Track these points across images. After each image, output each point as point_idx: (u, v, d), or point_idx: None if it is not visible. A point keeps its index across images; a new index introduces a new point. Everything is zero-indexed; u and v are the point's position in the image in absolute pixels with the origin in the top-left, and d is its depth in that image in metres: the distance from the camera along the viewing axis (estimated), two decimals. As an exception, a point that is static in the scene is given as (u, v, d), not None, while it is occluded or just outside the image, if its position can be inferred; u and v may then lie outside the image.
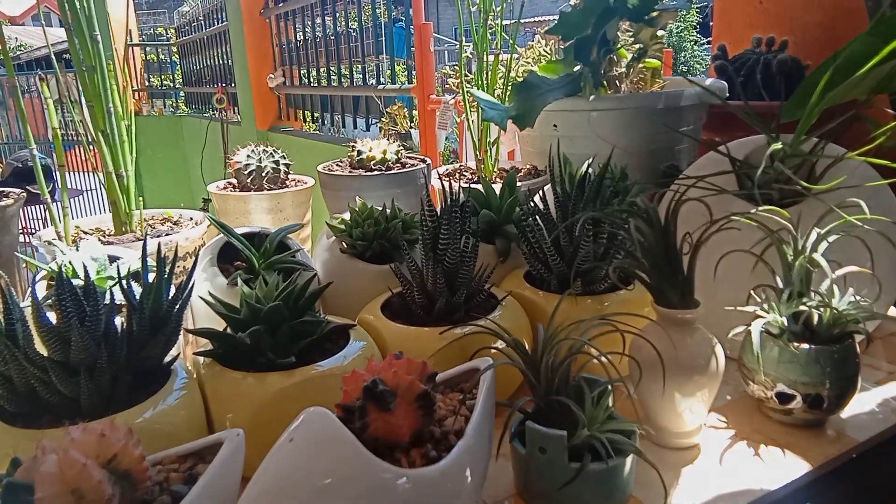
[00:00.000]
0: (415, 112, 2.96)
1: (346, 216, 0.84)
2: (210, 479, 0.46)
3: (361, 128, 3.43)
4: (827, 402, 0.66)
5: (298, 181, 1.19)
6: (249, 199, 1.09)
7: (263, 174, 1.10)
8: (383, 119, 3.22)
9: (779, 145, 0.73)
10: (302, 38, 3.81)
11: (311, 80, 3.78)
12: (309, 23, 3.63)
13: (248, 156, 1.11)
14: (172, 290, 0.62)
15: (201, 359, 0.65)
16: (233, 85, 4.38)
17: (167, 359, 0.63)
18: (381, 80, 3.43)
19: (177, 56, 6.11)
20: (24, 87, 6.54)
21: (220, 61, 4.78)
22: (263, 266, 0.78)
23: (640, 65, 1.07)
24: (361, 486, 0.46)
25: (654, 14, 0.98)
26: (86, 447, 0.43)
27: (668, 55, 1.94)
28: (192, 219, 1.00)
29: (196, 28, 5.26)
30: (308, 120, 3.89)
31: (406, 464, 0.49)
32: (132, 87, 5.55)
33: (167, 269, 0.62)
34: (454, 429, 0.54)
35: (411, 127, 3.10)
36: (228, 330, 0.65)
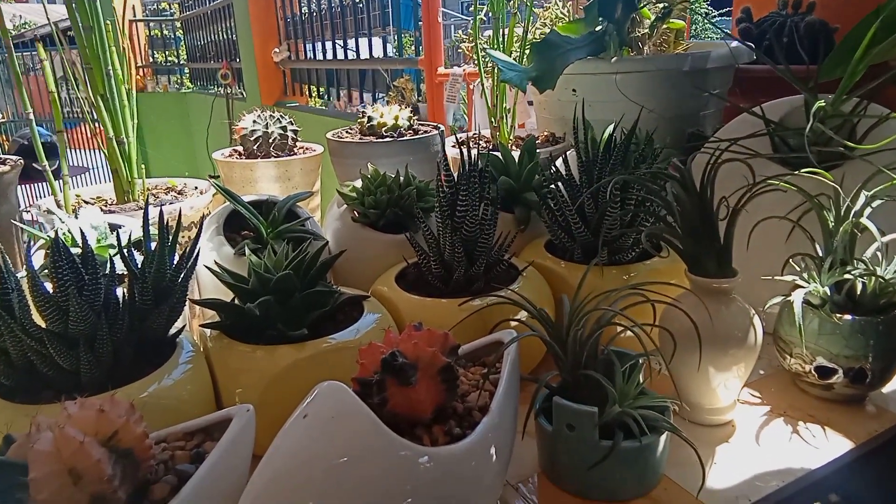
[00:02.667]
0: (422, 85, 2.90)
1: (358, 183, 0.80)
2: (219, 458, 0.43)
3: (368, 102, 3.37)
4: (870, 377, 0.62)
5: (307, 148, 1.15)
6: (256, 166, 1.04)
7: (270, 140, 1.05)
8: (390, 93, 3.16)
9: (822, 103, 0.68)
10: (307, 11, 3.73)
11: (317, 54, 3.71)
12: (314, -5, 3.55)
13: (255, 121, 1.07)
14: (177, 259, 0.59)
15: (208, 331, 0.62)
16: (237, 60, 4.32)
17: (172, 331, 0.60)
18: (388, 53, 3.36)
19: (181, 31, 6.03)
20: (28, 65, 6.47)
21: (225, 36, 4.71)
22: (272, 235, 0.74)
23: (664, 25, 1.02)
24: (380, 465, 0.42)
25: (681, -30, 0.92)
26: (84, 423, 0.40)
27: (687, 20, 1.87)
28: (196, 188, 0.96)
29: (200, 2, 5.17)
30: (314, 95, 3.83)
31: (428, 441, 0.46)
32: (136, 63, 5.49)
33: (170, 238, 0.58)
34: (478, 404, 0.50)
35: (419, 100, 3.04)
36: (236, 301, 0.62)
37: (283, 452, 0.42)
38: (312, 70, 3.78)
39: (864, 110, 0.72)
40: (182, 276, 0.58)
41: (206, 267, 0.62)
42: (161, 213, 0.57)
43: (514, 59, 1.04)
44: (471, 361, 0.58)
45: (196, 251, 0.58)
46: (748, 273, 0.68)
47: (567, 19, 1.09)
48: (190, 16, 5.51)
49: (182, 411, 0.55)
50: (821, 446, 0.60)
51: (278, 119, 1.09)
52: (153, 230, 0.61)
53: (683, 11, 1.04)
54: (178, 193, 0.95)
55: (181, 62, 5.98)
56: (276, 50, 3.98)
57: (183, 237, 0.82)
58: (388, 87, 3.16)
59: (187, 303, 0.61)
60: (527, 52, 1.03)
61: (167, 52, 6.19)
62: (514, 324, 0.65)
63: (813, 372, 0.64)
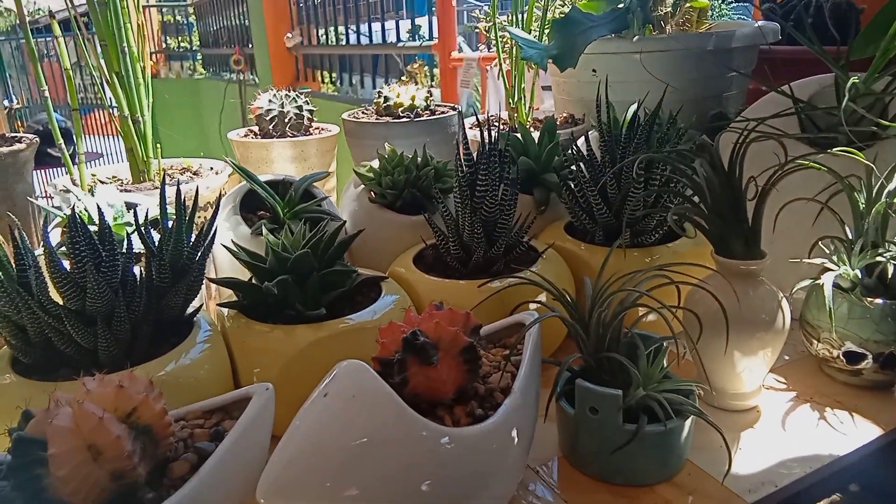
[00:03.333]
0: (436, 70, 2.87)
1: (375, 164, 0.79)
2: (238, 436, 0.42)
3: (380, 88, 3.35)
4: (902, 362, 0.60)
5: (323, 129, 1.14)
6: (272, 146, 1.03)
7: (286, 120, 1.04)
8: (403, 78, 3.14)
9: (855, 79, 0.66)
10: (320, -5, 3.71)
11: (329, 39, 3.69)
12: (327, -21, 3.52)
13: (270, 101, 1.06)
14: (193, 238, 0.58)
15: (226, 310, 0.61)
16: (250, 46, 4.31)
17: (189, 310, 0.59)
18: (401, 37, 3.33)
19: (193, 17, 6.02)
20: (43, 51, 6.48)
21: (238, 22, 4.70)
22: (289, 215, 0.73)
23: (688, 4, 0.99)
24: (402, 446, 0.42)
25: (706, -54, 0.90)
26: (103, 400, 0.39)
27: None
28: (212, 168, 0.96)
29: (213, -13, 5.16)
30: (326, 81, 3.82)
31: (450, 422, 0.45)
32: (149, 49, 5.50)
33: (187, 216, 0.57)
34: (500, 386, 0.49)
35: (432, 86, 3.02)
36: (254, 280, 0.61)
37: (303, 431, 0.42)
38: (325, 55, 3.76)
39: (897, 89, 0.70)
40: (199, 254, 0.57)
41: (224, 246, 0.62)
42: (178, 191, 0.57)
43: (535, 37, 1.02)
44: (491, 343, 0.57)
45: (213, 229, 0.57)
46: (774, 256, 0.66)
47: (587, -2, 1.06)
48: (203, 1, 5.49)
49: (200, 390, 0.54)
50: (848, 433, 0.58)
51: (294, 98, 1.07)
52: (170, 209, 0.60)
53: (707, -10, 1.02)
54: (194, 174, 0.94)
55: (194, 48, 5.98)
56: (289, 35, 3.97)
57: (199, 217, 0.81)
58: (401, 71, 3.14)
59: (204, 282, 0.60)
60: (546, 30, 1.01)
61: (180, 38, 6.19)
62: (534, 306, 0.64)
63: (841, 357, 0.62)
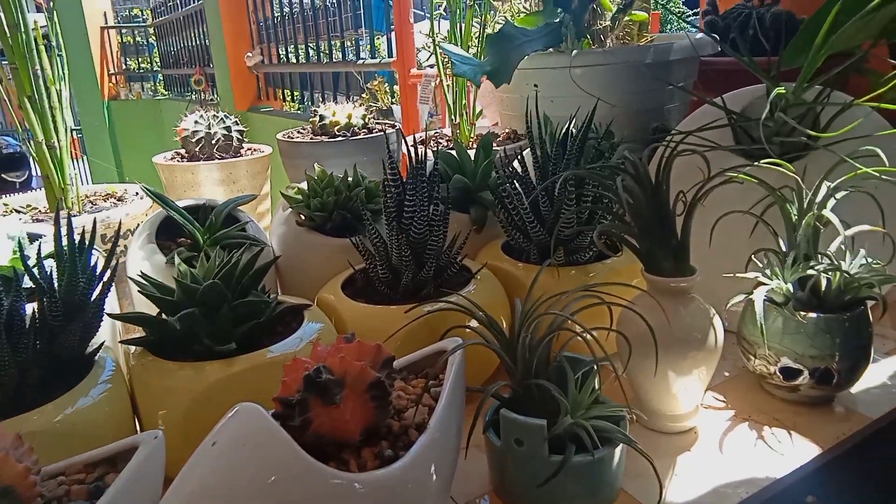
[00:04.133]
0: (396, 87, 2.86)
1: (304, 185, 0.76)
2: (118, 493, 0.39)
3: (316, 106, 3.32)
4: (837, 377, 0.59)
5: (254, 149, 1.10)
6: (198, 169, 1.00)
7: (214, 142, 1.01)
8: (364, 95, 3.12)
9: (782, 90, 0.65)
10: (279, 14, 3.69)
11: (290, 57, 3.66)
12: (286, -1, 3.50)
13: (196, 122, 1.02)
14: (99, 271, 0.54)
15: (132, 348, 0.57)
16: (211, 66, 4.25)
17: (90, 348, 0.55)
18: (361, 55, 3.32)
19: (154, 38, 5.94)
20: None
21: (198, 41, 4.65)
22: (208, 242, 0.69)
23: (626, 17, 0.99)
24: (299, 495, 0.38)
25: (640, -41, 0.89)
26: (-42, 459, 0.35)
27: (655, 16, 1.85)
28: (137, 193, 0.92)
29: (172, 8, 5.11)
30: (288, 99, 3.78)
31: (355, 466, 0.42)
32: (108, 70, 5.40)
33: (87, 247, 0.54)
34: (415, 421, 0.46)
35: (393, 102, 3.00)
36: (163, 314, 0.57)
37: (190, 484, 0.38)
38: (286, 74, 3.73)
39: (827, 98, 0.70)
40: (99, 289, 0.53)
41: (130, 278, 0.58)
42: (69, 222, 0.53)
43: (473, 53, 1.01)
44: (413, 374, 0.54)
45: (114, 262, 0.54)
46: (712, 270, 0.65)
47: (528, 12, 1.05)
48: (162, 22, 5.42)
49: (98, 437, 0.50)
50: (787, 453, 0.56)
51: (222, 119, 1.04)
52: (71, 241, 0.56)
53: (646, 3, 1.01)
54: (118, 200, 0.90)
55: (154, 69, 5.89)
56: (249, 54, 3.93)
57: (120, 246, 0.77)
58: (362, 89, 3.12)
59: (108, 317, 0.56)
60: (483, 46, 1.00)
61: (140, 59, 6.09)
62: (466, 331, 0.61)
63: (778, 373, 0.61)
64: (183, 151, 1.08)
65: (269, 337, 0.59)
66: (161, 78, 5.83)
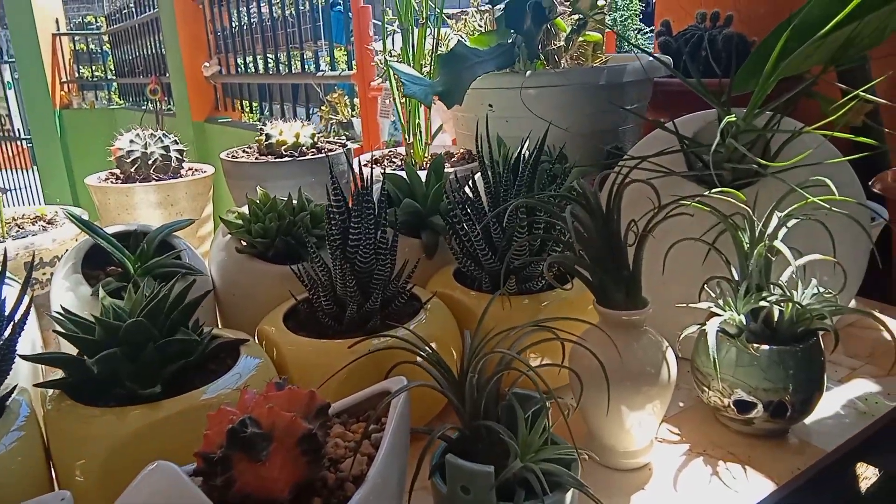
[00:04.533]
0: (356, 100, 2.83)
1: (245, 209, 0.73)
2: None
3: (302, 117, 3.28)
4: (791, 410, 0.58)
5: (195, 169, 1.06)
6: (133, 191, 0.95)
7: (151, 162, 0.96)
8: (323, 108, 3.07)
9: (732, 117, 0.64)
10: (237, 24, 3.62)
11: (249, 68, 3.60)
12: (244, 8, 3.45)
13: (132, 141, 0.97)
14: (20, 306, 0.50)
15: (49, 391, 0.53)
16: (167, 75, 4.16)
17: (1, 392, 0.51)
18: (321, 67, 3.28)
19: (108, 45, 5.79)
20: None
21: (154, 50, 4.54)
22: (139, 271, 0.65)
23: (580, 38, 0.98)
24: (219, 564, 0.35)
25: (593, -20, 0.88)
26: None
27: (612, 36, 1.87)
28: (70, 216, 0.86)
29: (127, 16, 4.99)
30: (247, 110, 3.71)
31: (283, 527, 0.38)
32: (60, 78, 5.23)
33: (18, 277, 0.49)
34: (352, 473, 0.43)
35: (353, 115, 2.97)
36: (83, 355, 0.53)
37: (94, 556, 0.34)
38: (244, 84, 3.66)
39: (778, 125, 0.69)
40: (9, 329, 0.49)
41: (48, 315, 0.53)
42: (4, 253, 0.48)
43: (426, 72, 0.99)
44: (354, 417, 0.51)
45: (26, 299, 0.49)
46: (664, 297, 0.63)
47: (483, 31, 1.04)
48: (117, 29, 5.29)
49: (10, 491, 0.46)
50: (741, 490, 0.55)
51: (160, 138, 0.99)
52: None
53: (601, 24, 1.01)
54: (48, 223, 0.85)
55: (109, 77, 5.74)
56: (206, 64, 3.85)
57: (44, 275, 0.72)
58: (322, 101, 3.08)
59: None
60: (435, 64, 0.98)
61: (94, 67, 5.93)
62: (412, 366, 0.58)
63: (732, 406, 0.59)
64: (118, 172, 1.02)
65: (202, 376, 0.55)
66: (116, 87, 5.68)
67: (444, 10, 0.97)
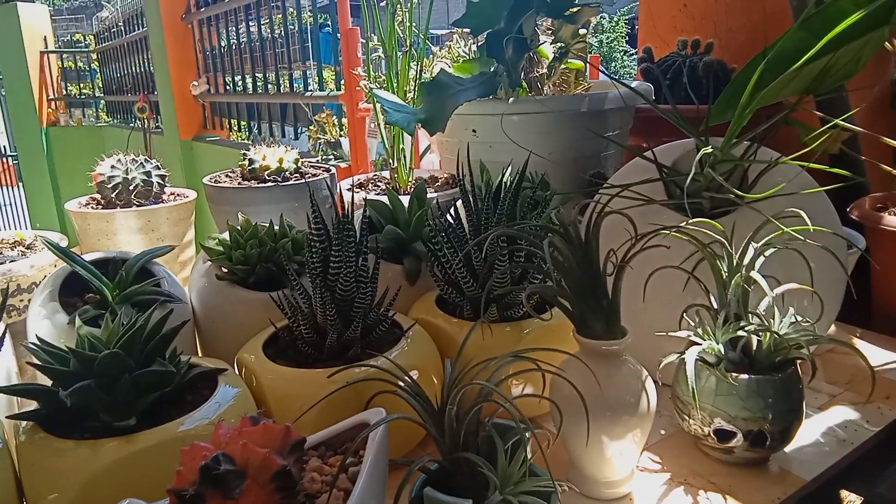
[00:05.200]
0: (344, 120, 2.84)
1: (226, 235, 0.72)
2: None
3: (290, 136, 3.29)
4: (770, 439, 0.58)
5: (177, 195, 1.05)
6: (113, 217, 0.94)
7: (132, 188, 0.95)
8: (311, 127, 3.08)
9: (709, 149, 0.65)
10: (226, 44, 3.64)
11: (237, 87, 3.61)
12: (233, 28, 3.46)
13: (113, 166, 0.97)
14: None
15: (22, 423, 0.52)
16: (155, 93, 4.16)
17: (-27, 426, 0.50)
18: (309, 87, 3.30)
19: (96, 63, 5.79)
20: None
21: (142, 68, 4.54)
22: (118, 299, 0.65)
23: (563, 66, 0.99)
24: None
25: (575, 10, 0.90)
26: None
27: (596, 60, 1.89)
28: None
29: (116, 34, 4.99)
30: (235, 129, 3.72)
31: (256, 566, 0.38)
32: (48, 95, 5.21)
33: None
34: (328, 508, 0.43)
35: (341, 135, 2.98)
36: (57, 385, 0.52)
37: None
38: (232, 103, 3.66)
39: (755, 155, 0.70)
40: (-18, 360, 0.48)
41: (22, 344, 0.53)
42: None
43: (410, 99, 1.00)
44: (332, 449, 0.50)
45: (1, 328, 0.49)
46: (645, 325, 0.64)
47: (467, 58, 1.05)
48: (106, 48, 5.29)
49: (-24, 527, 0.45)
50: (722, 520, 0.55)
51: (142, 163, 0.99)
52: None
53: (582, 52, 1.02)
54: (27, 248, 0.84)
55: (97, 95, 5.73)
56: (195, 83, 3.85)
57: (21, 301, 0.72)
58: (310, 121, 3.09)
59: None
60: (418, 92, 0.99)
61: (82, 85, 5.91)
62: (391, 396, 0.58)
63: (712, 435, 0.60)
64: (99, 197, 1.02)
65: (178, 407, 0.54)
66: (103, 104, 5.67)
67: (433, 30, 0.98)
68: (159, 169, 1.02)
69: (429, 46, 1.04)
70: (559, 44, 0.97)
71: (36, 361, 0.50)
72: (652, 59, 1.26)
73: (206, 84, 3.86)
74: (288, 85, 3.23)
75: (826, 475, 0.61)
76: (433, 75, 0.90)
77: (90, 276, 0.64)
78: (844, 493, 0.69)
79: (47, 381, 0.53)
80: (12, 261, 0.76)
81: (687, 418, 0.62)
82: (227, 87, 3.69)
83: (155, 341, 0.54)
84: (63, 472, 0.48)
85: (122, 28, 4.82)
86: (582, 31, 0.97)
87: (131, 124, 4.66)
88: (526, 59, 0.93)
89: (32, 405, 0.53)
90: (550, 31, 0.96)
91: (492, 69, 0.89)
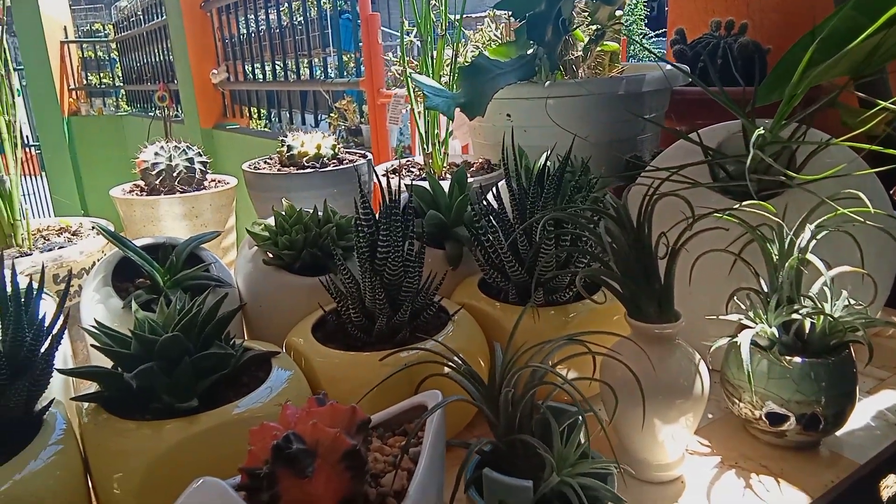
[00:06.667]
0: (365, 106, 2.84)
1: (271, 221, 0.73)
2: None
3: (310, 124, 3.29)
4: (824, 422, 0.58)
5: (219, 181, 1.06)
6: (158, 203, 0.95)
7: (175, 174, 0.96)
8: (332, 114, 3.08)
9: (760, 130, 0.64)
10: (245, 31, 3.64)
11: (257, 75, 3.62)
12: (252, 16, 3.46)
13: (157, 153, 0.98)
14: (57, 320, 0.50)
15: (84, 405, 0.53)
16: (175, 82, 4.18)
17: (40, 405, 0.51)
18: (329, 74, 3.29)
19: (116, 53, 5.83)
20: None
21: (162, 57, 4.57)
22: (169, 284, 0.65)
23: (598, 48, 0.98)
24: (269, 581, 0.35)
25: (613, -10, 0.89)
26: None
27: (623, 42, 1.87)
28: (94, 227, 0.87)
29: (135, 23, 5.02)
30: (255, 117, 3.73)
31: (329, 543, 0.38)
32: (68, 85, 5.26)
33: (33, 295, 0.49)
34: (393, 488, 0.43)
35: (361, 122, 2.98)
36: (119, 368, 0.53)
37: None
38: (252, 91, 3.68)
39: (804, 136, 0.69)
40: (48, 342, 0.49)
41: (83, 328, 0.54)
42: (13, 269, 0.49)
43: (445, 83, 0.99)
44: (390, 431, 0.51)
45: (63, 312, 0.50)
46: (691, 308, 0.63)
47: (500, 41, 1.04)
48: (125, 37, 5.33)
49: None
50: (776, 502, 0.55)
51: (184, 150, 1.00)
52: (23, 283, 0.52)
53: (617, 34, 1.01)
54: (73, 234, 0.85)
55: (117, 84, 5.77)
56: (214, 71, 3.87)
57: (72, 287, 0.73)
58: (330, 108, 3.09)
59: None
60: (455, 77, 0.98)
61: (101, 75, 5.96)
62: (443, 379, 0.58)
63: (764, 418, 0.59)
64: (142, 184, 1.03)
65: (235, 389, 0.55)
66: (123, 93, 5.71)
67: (467, 14, 0.97)
68: (201, 156, 1.02)
69: (463, 31, 1.03)
70: (594, 26, 0.96)
71: (97, 344, 0.51)
72: (685, 40, 1.24)
73: (226, 72, 3.87)
74: (308, 72, 3.23)
75: (878, 459, 0.61)
76: (467, 60, 0.89)
77: (142, 262, 0.65)
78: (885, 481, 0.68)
79: (105, 366, 0.54)
80: (61, 247, 0.77)
81: (737, 402, 0.61)
82: (247, 76, 3.70)
83: (212, 325, 0.54)
84: (128, 454, 0.49)
85: (141, 17, 4.84)
86: (618, 13, 0.96)
87: (151, 113, 4.70)
88: (562, 42, 0.92)
89: (88, 388, 0.54)
90: (587, 14, 0.95)
91: (529, 52, 0.88)
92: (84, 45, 5.75)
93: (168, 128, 4.16)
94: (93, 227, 0.84)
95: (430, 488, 0.44)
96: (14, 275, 0.47)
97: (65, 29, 5.32)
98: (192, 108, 3.91)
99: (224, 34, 3.75)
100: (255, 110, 3.70)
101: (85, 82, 5.68)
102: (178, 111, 4.27)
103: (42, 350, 0.49)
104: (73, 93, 5.32)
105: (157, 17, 4.43)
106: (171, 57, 4.21)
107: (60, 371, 0.51)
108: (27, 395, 0.49)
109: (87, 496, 0.50)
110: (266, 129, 3.62)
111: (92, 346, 0.51)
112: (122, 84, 5.73)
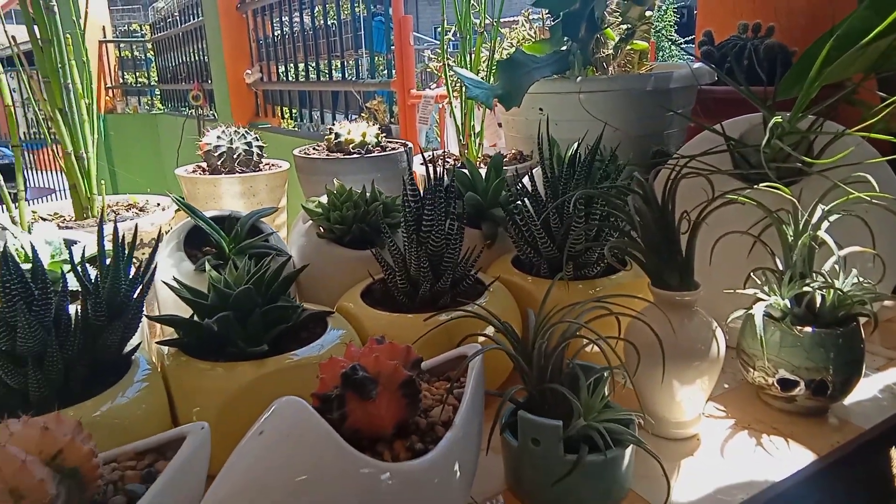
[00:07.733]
0: (395, 107, 2.91)
1: (324, 199, 0.80)
2: (170, 478, 0.41)
3: (332, 125, 3.37)
4: (831, 389, 0.63)
5: (273, 164, 1.14)
6: (220, 182, 1.03)
7: (235, 156, 1.04)
8: (362, 114, 3.17)
9: (779, 118, 0.69)
10: (279, 33, 3.74)
11: (290, 75, 3.72)
12: (286, 18, 3.56)
13: (219, 137, 1.06)
14: (133, 275, 0.57)
15: (165, 349, 0.60)
16: (209, 82, 4.30)
17: (127, 349, 0.58)
18: (361, 74, 3.38)
19: (152, 53, 6.00)
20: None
21: (196, 58, 4.69)
22: (234, 251, 0.72)
23: (628, 47, 1.04)
24: (341, 483, 0.41)
25: (644, -9, 0.94)
26: (27, 442, 0.38)
27: (652, 45, 1.92)
28: (158, 204, 0.95)
29: (171, 24, 5.16)
30: (286, 116, 3.83)
31: (389, 457, 0.45)
32: (105, 84, 5.43)
33: (126, 253, 0.57)
34: (441, 419, 0.49)
35: (391, 122, 3.06)
36: (195, 318, 0.60)
37: (238, 470, 0.41)
38: (285, 91, 3.78)
39: (821, 127, 0.74)
40: (137, 291, 0.56)
41: (164, 283, 0.61)
42: (115, 228, 0.56)
43: (482, 77, 1.05)
44: (435, 377, 0.57)
45: (152, 266, 0.57)
46: (711, 287, 0.68)
47: (533, 40, 1.10)
48: (161, 37, 5.48)
49: (136, 431, 0.53)
50: (784, 459, 0.60)
51: (243, 135, 1.08)
52: (110, 246, 0.59)
53: (646, 33, 1.07)
54: (140, 210, 0.93)
55: (152, 83, 5.94)
56: (248, 71, 3.98)
57: (143, 254, 0.80)
58: (361, 108, 3.18)
59: (145, 320, 0.59)
60: (493, 70, 1.04)
61: (137, 74, 6.14)
62: (480, 339, 0.64)
63: (775, 384, 0.64)
64: (204, 165, 1.11)
65: (296, 342, 0.62)
66: (158, 92, 5.87)
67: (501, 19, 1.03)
68: (258, 140, 1.10)
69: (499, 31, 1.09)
70: (625, 25, 1.01)
71: (185, 294, 0.58)
72: (712, 42, 1.29)
73: (260, 72, 3.98)
74: (340, 73, 3.32)
75: (884, 426, 0.65)
76: (504, 55, 0.95)
77: (211, 230, 0.72)
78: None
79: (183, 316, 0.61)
80: (131, 220, 0.85)
81: (751, 370, 0.66)
82: (280, 76, 3.80)
83: (278, 283, 0.61)
84: (206, 391, 0.56)
85: (178, 18, 4.98)
86: (648, 13, 1.01)
87: (183, 112, 4.83)
88: (594, 40, 0.98)
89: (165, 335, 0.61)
90: (618, 13, 1.01)
91: (563, 48, 0.94)
92: (121, 45, 5.93)
93: (202, 126, 4.28)
94: (157, 204, 0.92)
95: (472, 420, 0.50)
96: (116, 230, 0.55)
97: (103, 29, 5.49)
98: (225, 107, 4.02)
99: (259, 35, 3.86)
100: (287, 110, 3.80)
101: (121, 81, 5.86)
102: (210, 110, 4.38)
103: (134, 296, 0.56)
104: (110, 91, 5.49)
105: (194, 18, 4.56)
106: (206, 57, 4.34)
107: (149, 317, 0.58)
108: (121, 336, 0.56)
109: (170, 425, 0.57)
110: (296, 129, 3.71)
111: (181, 297, 0.58)
112: (156, 83, 5.89)
